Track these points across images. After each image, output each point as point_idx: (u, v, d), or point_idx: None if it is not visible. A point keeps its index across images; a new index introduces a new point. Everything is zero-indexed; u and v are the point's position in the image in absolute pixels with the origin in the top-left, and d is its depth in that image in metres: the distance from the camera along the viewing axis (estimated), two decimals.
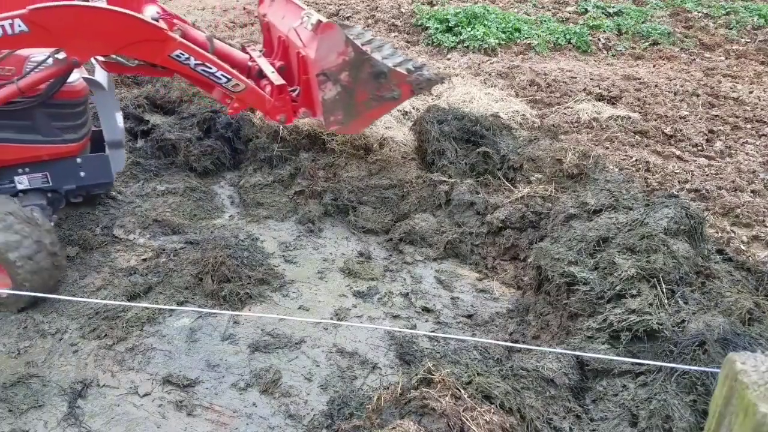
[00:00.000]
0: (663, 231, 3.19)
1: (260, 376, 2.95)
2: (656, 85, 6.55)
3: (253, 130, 5.03)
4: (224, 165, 4.85)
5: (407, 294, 3.62)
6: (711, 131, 5.50)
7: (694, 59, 7.68)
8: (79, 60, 3.08)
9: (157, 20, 3.46)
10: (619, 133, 5.35)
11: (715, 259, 3.36)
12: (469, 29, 7.97)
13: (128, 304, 3.30)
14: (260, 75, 3.91)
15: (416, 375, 2.49)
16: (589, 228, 3.45)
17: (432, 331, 3.33)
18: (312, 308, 3.48)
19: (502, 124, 4.98)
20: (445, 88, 5.75)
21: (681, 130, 5.46)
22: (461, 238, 3.99)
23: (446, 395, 2.30)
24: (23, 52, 3.16)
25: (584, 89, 6.35)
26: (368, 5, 9.03)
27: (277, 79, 3.78)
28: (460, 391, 2.34)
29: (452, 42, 7.80)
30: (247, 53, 4.22)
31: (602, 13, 9.09)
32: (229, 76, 3.44)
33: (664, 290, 2.88)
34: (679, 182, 4.58)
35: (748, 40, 8.39)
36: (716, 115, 5.85)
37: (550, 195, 4.05)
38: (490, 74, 6.68)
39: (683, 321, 2.70)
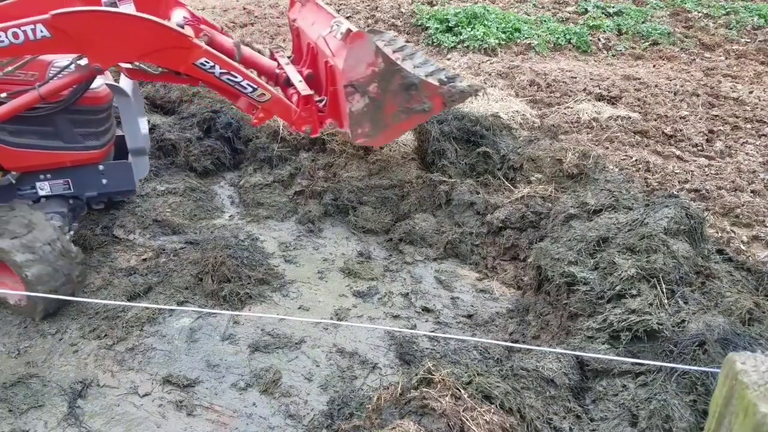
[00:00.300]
0: (663, 231, 3.19)
1: (260, 376, 2.95)
2: (656, 85, 6.55)
3: (253, 130, 5.03)
4: (224, 165, 4.85)
5: (407, 294, 3.62)
6: (711, 131, 5.50)
7: (694, 59, 7.68)
8: (102, 67, 3.02)
9: (182, 26, 3.37)
10: (619, 133, 5.34)
11: (715, 259, 3.36)
12: (469, 29, 7.97)
13: (128, 304, 3.30)
14: (287, 83, 3.82)
15: (416, 375, 2.49)
16: (589, 228, 3.45)
17: (432, 331, 3.33)
18: (312, 308, 3.48)
19: (502, 124, 4.98)
20: None
21: (681, 130, 5.46)
22: (461, 238, 3.99)
23: (446, 395, 2.30)
24: (47, 57, 3.13)
25: (584, 89, 6.35)
26: (368, 5, 9.03)
27: (304, 89, 3.67)
28: (460, 391, 2.34)
29: (452, 42, 7.80)
30: (275, 60, 4.13)
31: (602, 13, 9.09)
32: (255, 86, 3.34)
33: (664, 290, 2.88)
34: (679, 182, 4.58)
35: (748, 40, 8.39)
36: (716, 115, 5.85)
37: (550, 195, 4.05)
38: (490, 74, 6.68)
39: (683, 321, 2.70)
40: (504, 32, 8.03)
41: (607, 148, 5.08)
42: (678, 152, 5.10)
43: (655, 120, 5.68)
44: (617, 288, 2.92)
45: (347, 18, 8.52)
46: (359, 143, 3.87)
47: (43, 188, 3.39)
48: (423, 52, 4.70)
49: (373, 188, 4.43)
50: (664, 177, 4.63)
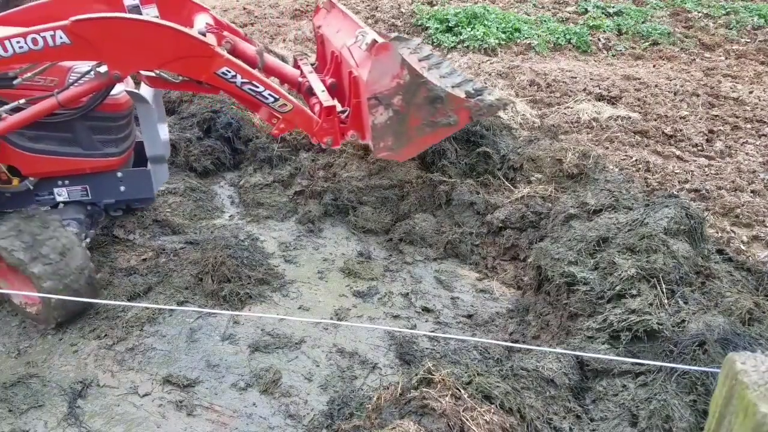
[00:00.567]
0: (663, 231, 3.19)
1: (260, 376, 2.95)
2: (656, 85, 6.55)
3: (253, 130, 5.04)
4: (224, 165, 4.85)
5: (407, 294, 3.62)
6: (711, 131, 5.49)
7: (694, 59, 7.68)
8: (121, 74, 2.98)
9: (204, 34, 3.29)
10: (619, 133, 5.34)
11: (715, 259, 3.35)
12: (469, 29, 7.97)
13: (128, 304, 3.30)
14: (310, 92, 3.75)
15: (416, 375, 2.49)
16: (589, 228, 3.45)
17: (432, 331, 3.33)
18: (312, 308, 3.48)
19: (502, 124, 4.98)
20: None
21: (681, 130, 5.46)
22: (461, 238, 3.99)
23: (446, 395, 2.30)
24: (66, 62, 3.09)
25: (584, 89, 6.35)
26: (368, 5, 9.03)
27: (327, 100, 3.58)
28: (460, 391, 2.34)
29: (452, 42, 7.80)
30: (298, 67, 4.04)
31: (602, 13, 9.08)
32: (277, 96, 3.27)
33: (664, 290, 2.88)
34: (679, 182, 4.58)
35: (748, 40, 8.39)
36: (716, 115, 5.85)
37: (550, 195, 4.05)
38: (490, 74, 6.68)
39: (683, 321, 2.70)
40: (504, 32, 8.03)
41: (607, 148, 5.08)
42: (678, 152, 5.10)
43: (655, 120, 5.68)
44: (617, 288, 2.92)
45: None
46: (381, 157, 3.75)
47: (61, 194, 3.36)
48: (450, 61, 4.48)
49: (373, 188, 4.43)
50: (664, 177, 4.63)
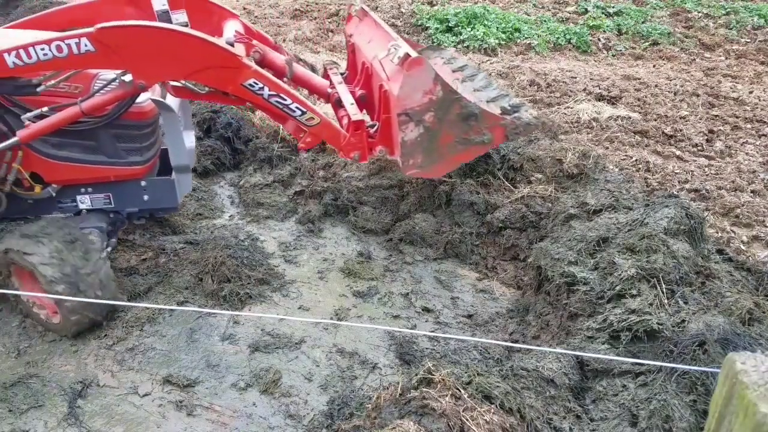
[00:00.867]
0: (663, 231, 3.19)
1: (260, 376, 2.95)
2: (656, 85, 6.55)
3: (253, 131, 5.04)
4: (224, 165, 4.85)
5: (407, 294, 3.62)
6: (711, 131, 5.49)
7: (694, 59, 7.68)
8: (146, 84, 2.92)
9: (232, 44, 3.20)
10: (619, 133, 5.34)
11: (715, 259, 3.35)
12: (469, 29, 7.97)
13: (128, 304, 3.30)
14: (339, 104, 3.66)
15: (416, 375, 2.49)
16: (589, 228, 3.45)
17: (432, 331, 3.33)
18: (312, 308, 3.48)
19: None
20: None
21: (681, 130, 5.46)
22: (461, 238, 3.99)
23: (446, 395, 2.30)
24: (92, 69, 3.04)
25: (584, 89, 6.35)
26: (368, 5, 9.03)
27: (355, 113, 3.47)
28: (460, 391, 2.34)
29: (452, 42, 7.80)
30: (328, 77, 3.96)
31: (602, 13, 9.09)
32: (305, 109, 3.18)
33: (664, 290, 2.87)
34: (679, 182, 4.58)
35: (748, 40, 8.39)
36: (716, 115, 5.85)
37: (550, 195, 4.05)
38: (490, 74, 6.68)
39: (683, 321, 2.70)
40: (504, 32, 8.04)
41: (607, 148, 5.08)
42: (678, 152, 5.10)
43: (655, 120, 5.68)
44: (617, 288, 2.92)
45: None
46: (410, 174, 3.57)
47: (84, 202, 3.32)
48: (486, 73, 4.32)
49: (373, 188, 4.43)
50: (664, 177, 4.63)
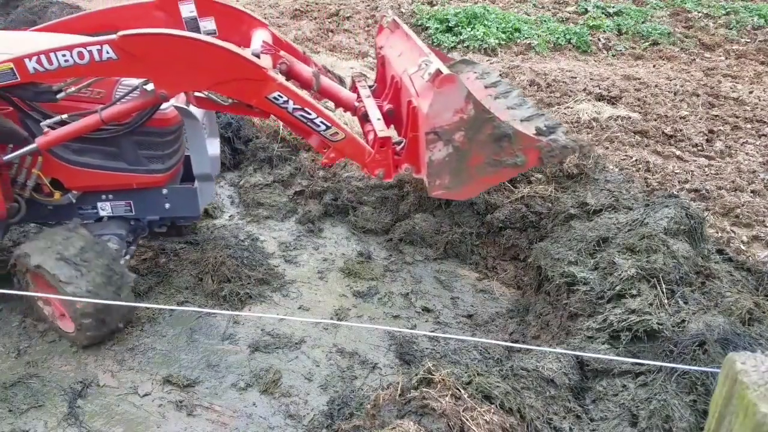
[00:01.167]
0: (663, 231, 3.19)
1: (260, 376, 2.96)
2: (656, 85, 6.55)
3: (253, 131, 5.04)
4: (224, 165, 4.85)
5: (407, 294, 3.62)
6: (711, 131, 5.49)
7: (694, 59, 7.68)
8: (168, 94, 2.86)
9: (258, 55, 3.14)
10: (619, 133, 5.34)
11: (715, 259, 3.35)
12: (469, 29, 7.97)
13: (128, 304, 3.29)
14: (366, 118, 3.56)
15: (416, 375, 2.48)
16: (589, 228, 3.45)
17: (432, 331, 3.33)
18: (312, 308, 3.48)
19: None
20: None
21: (681, 130, 5.46)
22: (461, 238, 3.99)
23: (446, 395, 2.30)
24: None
25: (584, 89, 6.35)
26: (368, 5, 9.03)
27: (382, 130, 3.34)
28: (460, 391, 2.33)
29: (452, 42, 7.80)
30: (356, 90, 3.85)
31: (602, 13, 9.09)
32: (329, 124, 3.09)
33: (664, 290, 2.87)
34: (679, 182, 4.58)
35: (748, 40, 8.39)
36: (716, 115, 5.85)
37: (550, 195, 4.05)
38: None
39: (683, 321, 2.70)
40: (504, 32, 8.04)
41: (607, 148, 5.08)
42: (678, 152, 5.10)
43: (655, 120, 5.68)
44: (617, 288, 2.92)
45: (347, 18, 8.53)
46: (436, 195, 3.38)
47: (105, 209, 3.28)
48: (520, 90, 4.15)
49: (373, 188, 4.43)
50: (664, 177, 4.63)
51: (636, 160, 4.85)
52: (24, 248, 2.98)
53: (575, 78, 6.68)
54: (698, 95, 6.30)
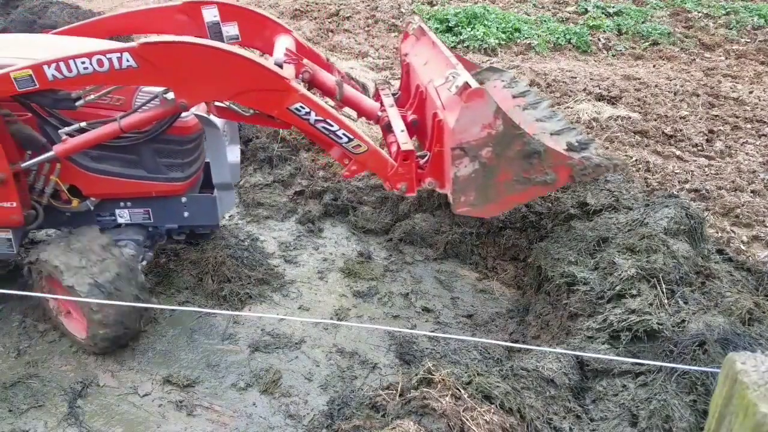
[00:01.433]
0: (663, 231, 3.19)
1: (260, 376, 2.96)
2: (656, 85, 6.55)
3: (253, 130, 5.04)
4: None
5: (407, 294, 3.62)
6: (711, 131, 5.50)
7: (694, 59, 7.68)
8: (188, 104, 2.80)
9: (281, 65, 3.10)
10: (619, 133, 5.34)
11: (715, 259, 3.36)
12: (469, 29, 7.97)
13: (129, 303, 3.29)
14: (389, 128, 3.48)
15: (416, 375, 2.49)
16: (589, 228, 3.45)
17: (432, 331, 3.33)
18: (312, 308, 3.48)
19: None
20: None
21: (681, 130, 5.46)
22: (461, 238, 3.99)
23: (446, 395, 2.30)
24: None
25: (584, 89, 6.35)
26: (368, 5, 9.03)
27: (405, 142, 3.24)
28: (460, 391, 2.34)
29: (452, 42, 7.80)
30: (379, 99, 3.78)
31: (602, 13, 9.09)
32: (351, 136, 3.01)
33: (664, 290, 2.88)
34: (679, 182, 4.58)
35: (748, 40, 8.40)
36: (716, 115, 5.85)
37: (550, 195, 4.05)
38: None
39: (683, 321, 2.70)
40: (504, 32, 8.04)
41: (607, 148, 5.08)
42: (678, 152, 5.10)
43: (655, 120, 5.68)
44: (617, 288, 2.92)
45: (347, 18, 8.53)
46: (460, 212, 3.25)
47: (123, 216, 3.25)
48: (549, 101, 4.03)
49: (373, 188, 4.43)
50: (664, 177, 4.63)
51: (636, 160, 4.85)
52: (51, 257, 2.89)
53: (575, 78, 6.68)
54: (698, 95, 6.31)
